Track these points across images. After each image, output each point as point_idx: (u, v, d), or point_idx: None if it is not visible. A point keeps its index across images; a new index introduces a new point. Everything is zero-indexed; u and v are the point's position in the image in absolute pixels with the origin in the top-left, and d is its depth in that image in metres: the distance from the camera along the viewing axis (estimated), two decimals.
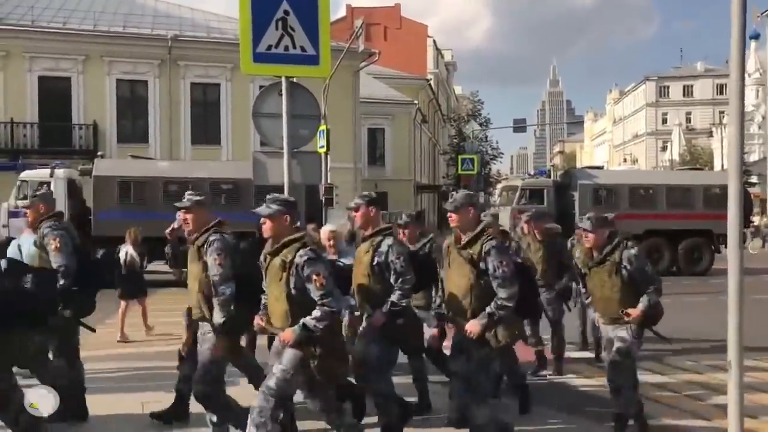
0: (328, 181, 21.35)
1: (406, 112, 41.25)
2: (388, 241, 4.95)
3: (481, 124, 55.22)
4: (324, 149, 19.40)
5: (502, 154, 59.51)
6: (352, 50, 26.18)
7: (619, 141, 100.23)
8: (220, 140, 28.51)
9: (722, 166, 49.89)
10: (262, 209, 4.35)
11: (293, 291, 4.19)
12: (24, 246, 6.15)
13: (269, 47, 6.64)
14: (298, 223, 5.20)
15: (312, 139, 7.81)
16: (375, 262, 4.91)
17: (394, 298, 4.86)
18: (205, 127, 28.58)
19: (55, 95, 26.93)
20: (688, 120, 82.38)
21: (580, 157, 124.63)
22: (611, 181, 21.50)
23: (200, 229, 4.83)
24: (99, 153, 21.40)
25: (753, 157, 60.50)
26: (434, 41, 60.49)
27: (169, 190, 17.22)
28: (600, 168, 28.03)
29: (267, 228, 4.34)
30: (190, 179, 17.46)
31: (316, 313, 4.14)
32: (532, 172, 29.76)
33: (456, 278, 4.51)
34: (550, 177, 22.82)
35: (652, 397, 6.95)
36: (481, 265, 4.38)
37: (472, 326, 4.35)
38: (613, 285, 5.18)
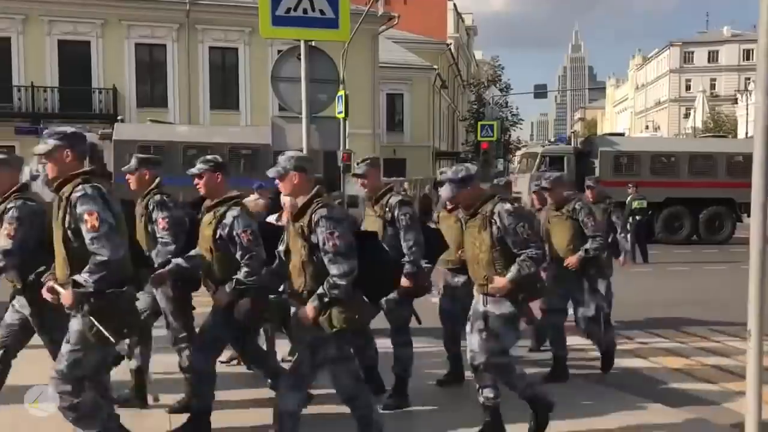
0: (347, 148, 21.29)
1: (425, 78, 40.85)
2: (234, 212, 4.38)
3: (501, 90, 54.58)
4: (342, 115, 19.29)
5: (522, 120, 58.82)
6: (371, 14, 25.85)
7: (642, 108, 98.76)
8: (239, 105, 28.49)
9: (746, 133, 49.07)
10: (38, 147, 3.70)
11: (69, 233, 3.51)
12: None
13: (288, 10, 6.59)
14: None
15: (331, 104, 7.77)
16: (218, 236, 4.37)
17: (240, 275, 4.28)
18: (224, 91, 28.57)
19: (74, 59, 26.99)
20: (713, 86, 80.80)
21: (602, 124, 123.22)
22: (632, 148, 21.26)
23: (3, 193, 4.35)
24: (119, 117, 21.51)
25: None
26: (455, 5, 59.54)
27: (189, 155, 17.32)
28: (621, 135, 27.64)
29: (48, 169, 3.69)
30: (209, 144, 17.55)
31: (89, 265, 3.44)
32: (552, 139, 29.50)
33: (291, 254, 3.87)
34: (570, 144, 22.63)
35: (671, 365, 6.95)
36: (313, 237, 3.71)
37: (303, 313, 3.73)
38: (482, 243, 4.33)
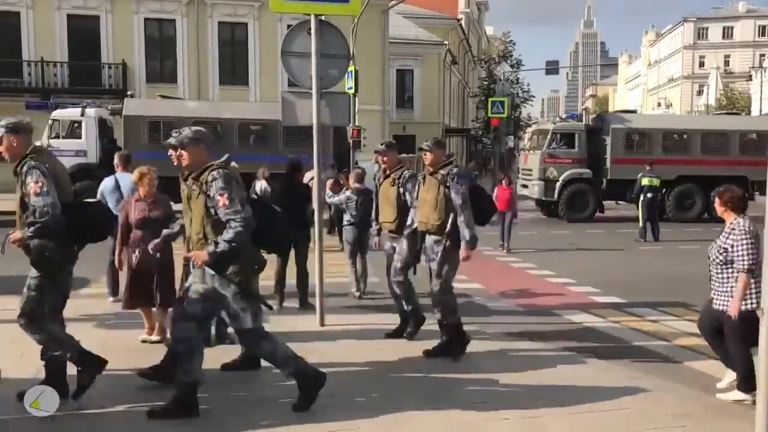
0: (356, 123, 21.23)
1: (435, 53, 40.54)
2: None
3: (512, 66, 54.03)
4: (352, 90, 19.23)
5: (533, 97, 58.21)
6: None
7: (654, 84, 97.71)
8: (248, 81, 28.38)
9: (760, 110, 48.54)
10: None
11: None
12: (123, 181, 7.45)
13: None
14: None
15: (341, 79, 7.72)
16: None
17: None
18: (233, 67, 28.45)
19: (83, 34, 26.91)
20: (727, 63, 79.80)
21: (613, 100, 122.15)
22: (644, 125, 21.06)
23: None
24: (128, 93, 21.51)
25: None
26: None
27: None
28: (633, 112, 27.39)
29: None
30: (219, 120, 17.54)
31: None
32: (563, 116, 29.24)
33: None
34: (581, 121, 22.41)
35: (681, 343, 6.95)
36: None
37: None
38: None
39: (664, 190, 17.28)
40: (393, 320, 7.05)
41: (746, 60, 77.02)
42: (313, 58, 6.73)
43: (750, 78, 64.78)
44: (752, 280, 4.81)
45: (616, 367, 5.88)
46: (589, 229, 17.75)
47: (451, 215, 5.73)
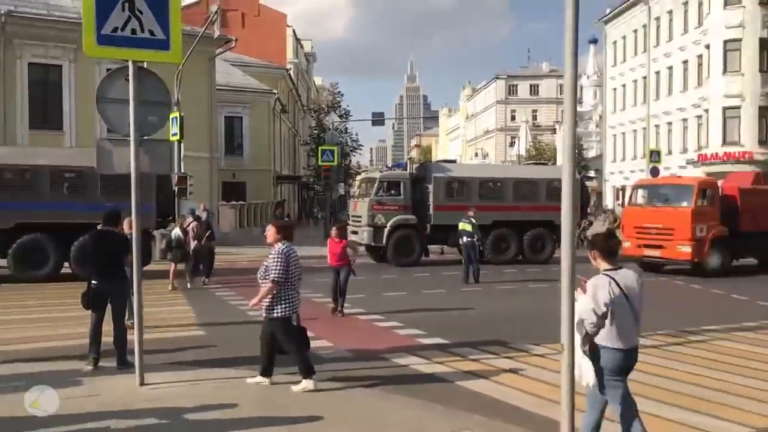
0: (182, 171, 20.63)
1: (264, 101, 40.58)
2: None
3: (340, 116, 55.48)
4: (177, 137, 18.76)
5: (362, 146, 60.11)
6: (207, 36, 25.38)
7: (472, 136, 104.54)
8: (62, 125, 26.61)
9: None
10: None
11: None
12: None
13: (115, 29, 6.32)
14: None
15: (162, 127, 7.47)
16: None
17: None
18: (45, 110, 26.55)
19: None
20: (535, 117, 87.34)
21: (436, 150, 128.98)
22: (463, 174, 22.32)
23: None
24: None
25: (591, 153, 65.16)
26: (294, 31, 59.89)
27: (4, 178, 15.82)
28: (453, 161, 29.03)
29: None
30: (26, 167, 16.14)
31: None
32: (390, 165, 30.26)
33: None
34: (407, 170, 23.33)
35: (499, 380, 7.32)
36: None
37: None
38: None
39: (479, 234, 18.05)
40: (220, 375, 6.83)
41: (551, 114, 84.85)
42: (131, 106, 6.49)
43: (555, 131, 71.30)
44: (284, 293, 6.42)
45: (438, 407, 6.07)
46: (416, 272, 18.37)
47: None
